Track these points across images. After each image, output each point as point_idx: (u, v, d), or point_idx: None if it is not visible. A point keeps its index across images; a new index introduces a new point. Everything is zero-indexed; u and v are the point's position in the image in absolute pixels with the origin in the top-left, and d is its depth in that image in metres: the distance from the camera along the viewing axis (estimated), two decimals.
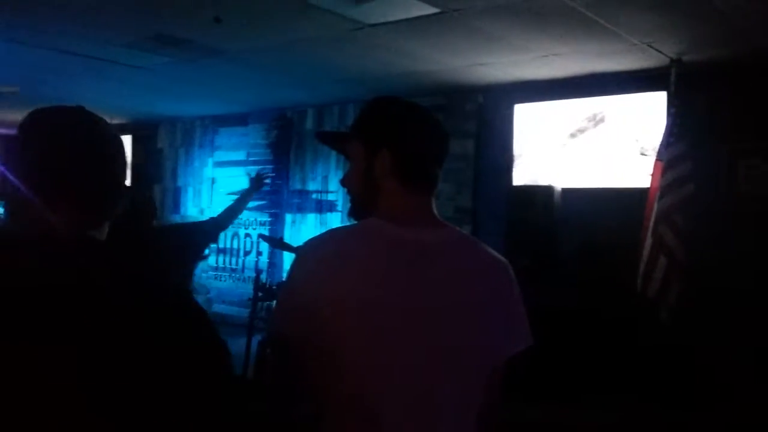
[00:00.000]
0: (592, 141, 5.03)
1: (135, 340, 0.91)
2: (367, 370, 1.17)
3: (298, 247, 1.31)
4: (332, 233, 1.31)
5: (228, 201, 7.32)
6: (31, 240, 0.99)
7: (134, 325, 0.93)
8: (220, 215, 3.60)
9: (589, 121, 5.00)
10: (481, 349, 1.24)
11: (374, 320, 1.17)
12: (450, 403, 1.21)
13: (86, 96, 6.57)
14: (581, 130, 5.05)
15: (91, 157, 1.07)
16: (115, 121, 8.51)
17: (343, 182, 1.36)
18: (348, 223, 1.36)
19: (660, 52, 4.15)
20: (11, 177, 1.03)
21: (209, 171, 7.96)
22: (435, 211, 1.31)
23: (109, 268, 1.00)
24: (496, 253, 1.33)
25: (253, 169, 3.90)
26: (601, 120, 4.97)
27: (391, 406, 1.16)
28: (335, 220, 6.51)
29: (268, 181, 4.12)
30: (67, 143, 1.06)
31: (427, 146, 1.32)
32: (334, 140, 1.52)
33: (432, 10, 3.47)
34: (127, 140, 8.66)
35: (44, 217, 1.01)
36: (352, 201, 1.36)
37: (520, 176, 5.38)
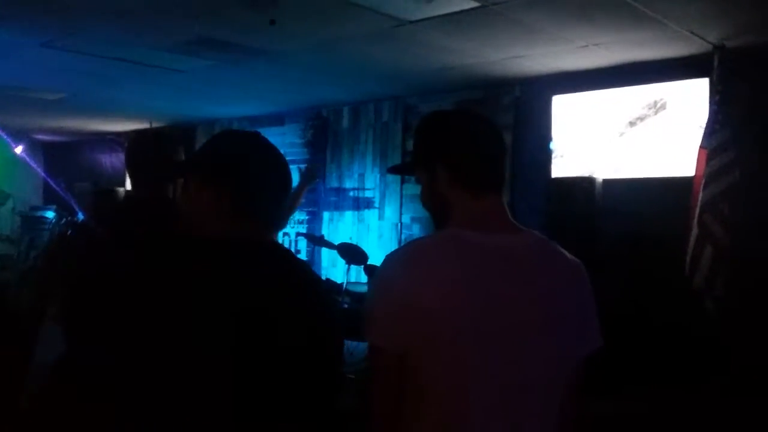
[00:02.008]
0: (652, 129, 4.84)
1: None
2: (457, 373, 1.20)
3: (379, 263, 1.35)
4: (414, 245, 1.34)
5: None
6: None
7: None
8: None
9: (650, 108, 4.84)
10: (564, 350, 1.27)
11: (463, 325, 1.20)
12: (535, 403, 1.24)
13: (128, 100, 6.74)
14: (641, 118, 4.89)
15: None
16: (155, 124, 8.69)
17: (422, 202, 1.45)
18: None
19: (702, 38, 4.09)
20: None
21: None
22: (509, 214, 1.34)
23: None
24: (570, 254, 1.36)
25: (304, 164, 3.93)
26: (662, 107, 4.80)
27: (481, 407, 1.20)
28: (372, 216, 6.56)
29: (319, 174, 4.14)
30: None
31: (474, 147, 1.35)
32: (404, 170, 1.67)
33: (472, 4, 3.48)
34: None
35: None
36: (432, 218, 1.43)
37: (566, 168, 5.31)
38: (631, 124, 4.95)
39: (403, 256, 1.29)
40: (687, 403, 3.98)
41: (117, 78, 5.61)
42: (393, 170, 1.73)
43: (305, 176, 3.68)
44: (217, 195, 1.28)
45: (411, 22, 3.79)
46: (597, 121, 5.13)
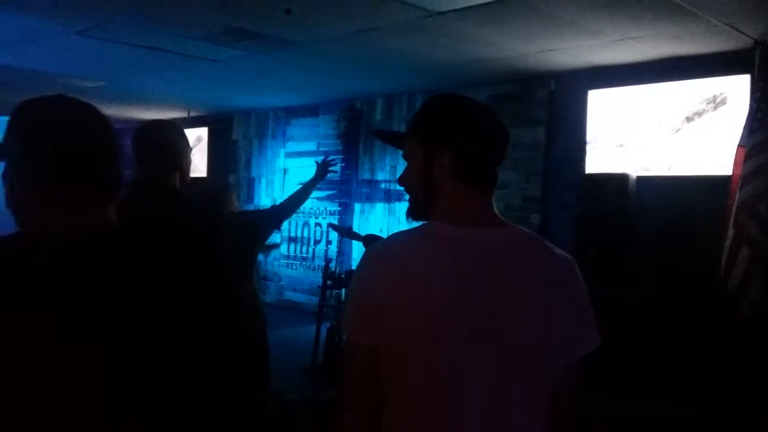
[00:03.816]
0: (712, 124, 4.64)
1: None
2: (436, 373, 1.18)
3: (366, 252, 1.32)
4: (395, 238, 1.31)
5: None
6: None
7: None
8: (283, 202, 3.64)
9: (708, 103, 4.66)
10: (548, 349, 1.22)
11: (442, 322, 1.17)
12: (519, 403, 1.20)
13: (166, 89, 6.86)
14: (699, 113, 4.71)
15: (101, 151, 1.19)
16: (193, 114, 8.83)
17: (401, 181, 1.35)
18: (410, 225, 1.36)
19: (743, 33, 3.96)
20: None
21: (281, 162, 8.15)
22: (496, 210, 1.30)
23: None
24: (561, 251, 1.30)
25: (320, 157, 3.92)
26: (722, 102, 4.60)
27: (462, 406, 1.17)
28: (403, 209, 6.52)
29: (335, 168, 4.12)
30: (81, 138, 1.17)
31: (487, 146, 1.29)
32: (392, 139, 1.50)
33: None
34: (203, 132, 8.97)
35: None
36: (411, 201, 1.34)
37: (601, 164, 5.21)
38: (688, 119, 4.76)
39: (381, 251, 1.26)
40: (716, 405, 3.88)
41: (154, 67, 5.71)
42: (381, 135, 1.56)
43: (319, 169, 3.67)
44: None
45: (440, 13, 3.76)
46: (639, 116, 4.98)
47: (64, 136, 1.13)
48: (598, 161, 5.20)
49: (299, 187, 3.69)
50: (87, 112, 1.18)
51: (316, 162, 3.71)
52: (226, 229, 2.04)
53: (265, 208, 4.21)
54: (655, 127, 4.89)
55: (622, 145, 5.09)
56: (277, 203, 4.03)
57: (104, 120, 1.20)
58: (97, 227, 1.13)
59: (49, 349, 1.01)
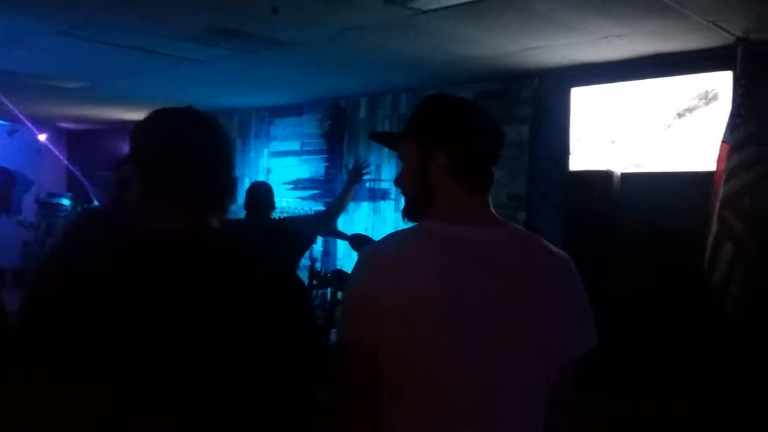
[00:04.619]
0: (703, 120, 4.62)
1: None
2: (432, 370, 1.18)
3: (362, 253, 1.31)
4: (390, 238, 1.31)
5: (284, 191, 7.45)
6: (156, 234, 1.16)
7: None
8: (326, 210, 3.61)
9: (700, 99, 4.66)
10: (548, 348, 1.23)
11: (436, 321, 1.17)
12: (515, 400, 1.20)
13: (148, 90, 6.78)
14: (690, 109, 4.71)
15: (211, 156, 1.22)
16: None
17: (397, 182, 1.36)
18: (404, 224, 1.35)
19: (726, 30, 3.99)
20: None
21: (265, 161, 8.10)
22: (492, 209, 1.30)
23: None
24: (557, 249, 1.31)
25: (351, 162, 3.90)
26: (714, 98, 4.59)
27: (456, 404, 1.17)
28: (388, 208, 6.53)
29: (367, 171, 4.09)
30: (192, 142, 1.21)
31: (483, 146, 1.31)
32: (387, 140, 1.53)
33: None
34: None
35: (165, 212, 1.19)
36: (407, 201, 1.35)
37: (585, 162, 5.23)
38: (680, 115, 4.76)
39: (376, 252, 1.27)
40: (698, 404, 3.91)
41: (136, 67, 5.64)
42: (376, 137, 1.59)
43: (352, 174, 3.64)
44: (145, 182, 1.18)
45: (425, 11, 3.75)
46: (627, 113, 4.98)
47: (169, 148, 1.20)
48: (585, 158, 5.22)
49: (339, 196, 3.66)
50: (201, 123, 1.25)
51: (346, 167, 3.69)
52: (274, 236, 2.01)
53: (308, 214, 4.18)
54: (645, 123, 4.91)
55: (613, 142, 5.09)
56: (320, 211, 4.03)
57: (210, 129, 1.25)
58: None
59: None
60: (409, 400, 1.18)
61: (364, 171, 3.67)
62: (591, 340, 1.29)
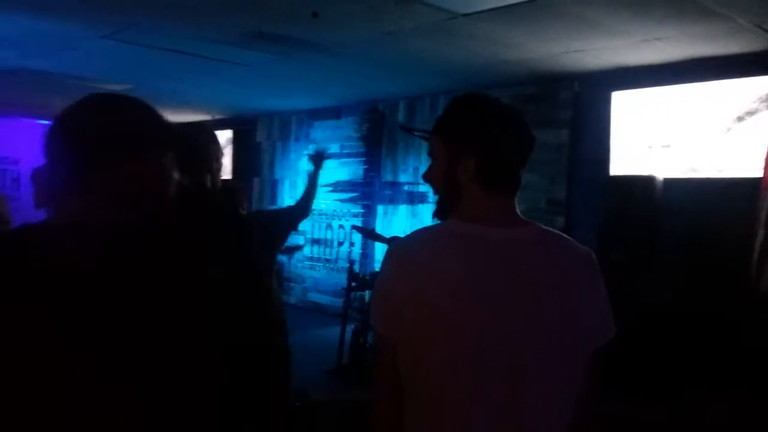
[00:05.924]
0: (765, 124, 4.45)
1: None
2: (455, 364, 1.20)
3: (387, 249, 1.35)
4: (416, 234, 1.34)
5: (323, 193, 7.52)
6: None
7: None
8: (298, 202, 3.68)
9: (762, 102, 4.45)
10: (567, 340, 1.24)
11: (461, 315, 1.19)
12: (539, 397, 1.22)
13: (192, 93, 6.94)
14: (751, 113, 4.53)
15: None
16: (217, 117, 8.92)
17: (425, 177, 1.38)
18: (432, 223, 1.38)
19: None
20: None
21: (305, 163, 8.19)
22: (517, 210, 1.32)
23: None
24: (579, 245, 1.32)
25: (312, 148, 3.97)
26: None
27: (480, 403, 1.19)
28: (426, 211, 6.54)
29: (328, 155, 4.16)
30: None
31: (512, 150, 1.31)
32: (419, 137, 1.55)
33: None
34: (227, 134, 9.06)
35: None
36: (437, 201, 1.37)
37: (628, 167, 5.14)
38: (740, 119, 4.61)
39: (402, 247, 1.30)
40: (745, 409, 3.82)
41: (180, 71, 5.78)
42: (407, 130, 1.61)
43: (313, 160, 3.73)
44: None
45: (464, 15, 3.76)
46: (677, 117, 4.86)
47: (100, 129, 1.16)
48: (628, 163, 5.11)
49: (306, 186, 3.73)
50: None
51: (308, 155, 3.75)
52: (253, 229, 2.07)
53: (283, 207, 4.25)
54: (702, 127, 4.73)
55: (667, 146, 4.93)
56: (292, 205, 4.09)
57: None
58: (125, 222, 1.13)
59: (45, 342, 1.01)
60: (432, 393, 1.21)
61: (324, 156, 3.75)
62: (609, 332, 1.30)
